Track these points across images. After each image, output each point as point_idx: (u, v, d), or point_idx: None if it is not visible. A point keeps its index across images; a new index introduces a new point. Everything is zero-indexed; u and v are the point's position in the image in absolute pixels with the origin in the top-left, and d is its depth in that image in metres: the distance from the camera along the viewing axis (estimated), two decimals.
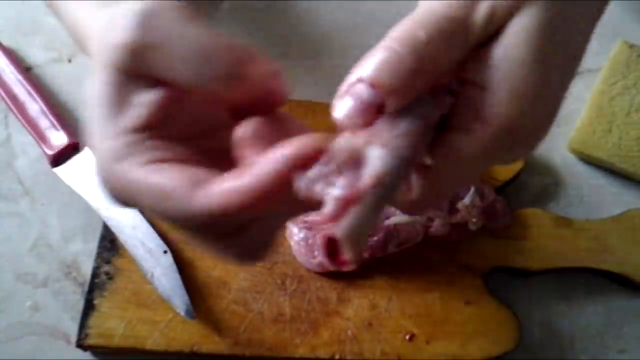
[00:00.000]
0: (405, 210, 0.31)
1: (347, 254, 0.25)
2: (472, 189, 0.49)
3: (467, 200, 0.48)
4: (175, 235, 0.49)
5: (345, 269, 0.48)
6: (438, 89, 0.28)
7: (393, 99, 0.26)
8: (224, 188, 0.27)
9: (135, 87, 0.29)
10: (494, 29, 0.28)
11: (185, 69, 0.27)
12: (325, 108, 0.58)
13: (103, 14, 0.30)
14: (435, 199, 0.30)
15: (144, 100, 0.29)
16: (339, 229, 0.25)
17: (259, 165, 0.26)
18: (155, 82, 0.28)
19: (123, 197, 0.29)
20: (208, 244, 0.30)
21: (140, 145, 0.28)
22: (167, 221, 0.29)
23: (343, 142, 0.26)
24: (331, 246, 0.24)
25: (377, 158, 0.25)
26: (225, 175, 0.27)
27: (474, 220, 0.48)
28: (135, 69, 0.28)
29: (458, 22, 0.28)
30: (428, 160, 0.28)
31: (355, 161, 0.25)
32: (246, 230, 0.28)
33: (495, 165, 0.35)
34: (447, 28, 0.27)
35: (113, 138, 0.28)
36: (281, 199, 0.27)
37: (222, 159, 0.29)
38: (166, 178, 0.28)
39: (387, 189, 0.25)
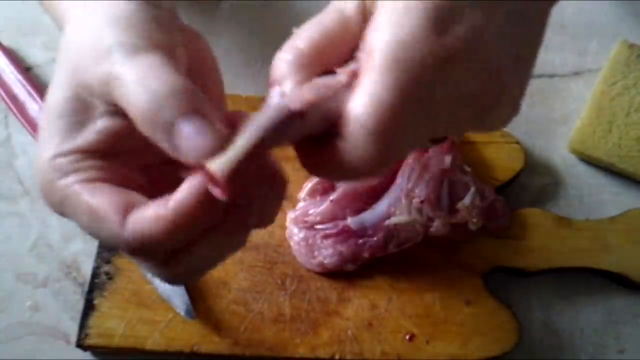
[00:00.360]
0: (338, 175, 0.31)
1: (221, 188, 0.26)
2: (472, 189, 0.49)
3: (467, 200, 0.48)
4: None
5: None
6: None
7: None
8: (148, 215, 0.27)
9: (96, 112, 0.29)
10: (368, 18, 0.29)
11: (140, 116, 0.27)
12: None
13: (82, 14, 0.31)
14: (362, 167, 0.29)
15: (102, 127, 0.29)
16: (212, 164, 0.26)
17: (181, 189, 0.27)
18: (116, 111, 0.29)
19: (60, 210, 0.30)
20: (143, 265, 0.30)
21: (84, 163, 0.29)
22: (100, 242, 0.29)
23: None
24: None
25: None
26: (154, 201, 0.28)
27: (474, 220, 0.48)
28: (101, 96, 0.29)
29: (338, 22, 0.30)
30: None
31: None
32: (180, 255, 0.29)
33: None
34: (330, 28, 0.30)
35: (63, 154, 0.29)
36: (208, 221, 0.27)
37: (172, 174, 0.29)
38: (101, 200, 0.28)
39: (265, 135, 0.26)
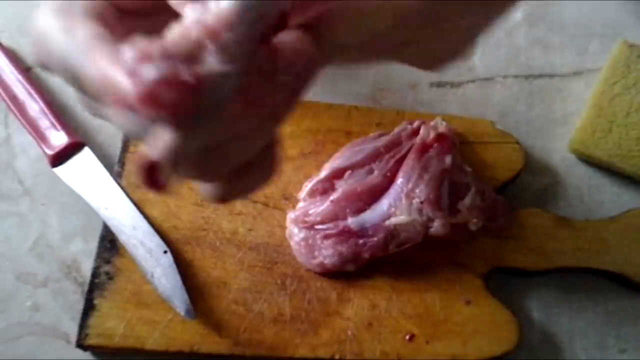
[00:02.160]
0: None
1: (163, 177, 0.24)
2: (473, 189, 0.49)
3: (467, 200, 0.48)
4: (176, 235, 0.49)
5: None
6: None
7: None
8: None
9: None
10: None
11: None
12: (325, 108, 0.58)
13: None
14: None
15: None
16: (156, 151, 0.24)
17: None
18: None
19: (41, 45, 0.27)
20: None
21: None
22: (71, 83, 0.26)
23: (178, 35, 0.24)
24: (150, 169, 0.23)
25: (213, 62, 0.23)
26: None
27: (474, 220, 0.48)
28: None
29: None
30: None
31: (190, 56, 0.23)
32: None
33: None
34: None
35: None
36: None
37: None
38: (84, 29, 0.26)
39: (214, 100, 0.23)
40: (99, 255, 0.48)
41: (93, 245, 0.49)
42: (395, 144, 0.51)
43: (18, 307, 0.48)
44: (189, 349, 0.45)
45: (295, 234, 0.49)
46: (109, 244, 0.48)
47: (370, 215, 0.48)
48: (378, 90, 0.58)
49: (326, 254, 0.48)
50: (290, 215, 0.50)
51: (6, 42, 0.57)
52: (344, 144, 0.52)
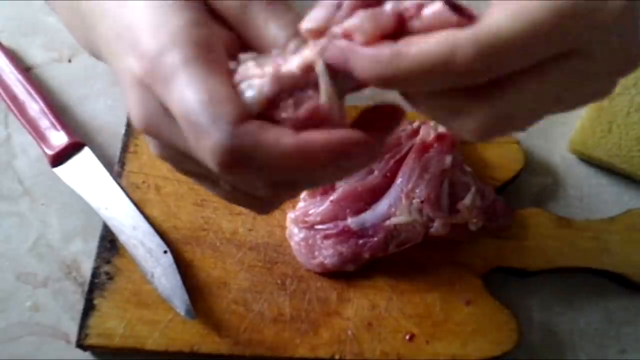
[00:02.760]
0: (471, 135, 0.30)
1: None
2: (473, 189, 0.49)
3: (467, 200, 0.48)
4: (176, 235, 0.49)
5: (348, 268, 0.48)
6: None
7: None
8: (272, 136, 0.26)
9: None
10: None
11: None
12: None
13: None
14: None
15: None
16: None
17: (310, 134, 0.27)
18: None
19: (163, 91, 0.27)
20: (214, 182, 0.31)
21: (199, 30, 0.28)
22: (195, 132, 0.27)
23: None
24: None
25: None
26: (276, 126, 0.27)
27: (474, 220, 0.48)
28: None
29: None
30: None
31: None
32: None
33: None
34: None
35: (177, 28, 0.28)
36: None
37: None
38: (221, 81, 0.27)
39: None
40: (99, 255, 0.48)
41: (93, 245, 0.49)
42: (395, 144, 0.51)
43: (18, 307, 0.48)
44: (189, 349, 0.45)
45: (295, 234, 0.49)
46: (109, 244, 0.48)
47: (370, 215, 0.48)
48: (378, 90, 0.58)
49: (326, 254, 0.48)
50: (290, 215, 0.50)
51: (6, 42, 0.57)
52: None
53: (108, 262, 0.48)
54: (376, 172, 0.50)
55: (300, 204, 0.50)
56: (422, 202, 0.47)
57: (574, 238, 0.51)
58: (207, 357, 0.46)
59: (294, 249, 0.49)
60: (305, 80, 0.27)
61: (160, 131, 0.29)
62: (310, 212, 0.49)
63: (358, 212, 0.49)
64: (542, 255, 0.50)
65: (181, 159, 0.31)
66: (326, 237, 0.48)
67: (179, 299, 0.46)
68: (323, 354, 0.46)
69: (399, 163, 0.50)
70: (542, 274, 0.51)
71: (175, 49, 0.27)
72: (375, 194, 0.49)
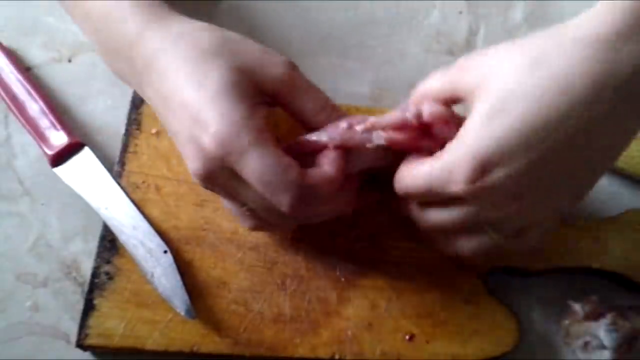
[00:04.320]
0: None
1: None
2: None
3: None
4: (175, 235, 0.49)
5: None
6: None
7: None
8: (319, 174, 0.41)
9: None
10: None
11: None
12: None
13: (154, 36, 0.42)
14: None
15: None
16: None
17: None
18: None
19: (237, 161, 0.38)
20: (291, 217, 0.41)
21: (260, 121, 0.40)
22: (271, 189, 0.39)
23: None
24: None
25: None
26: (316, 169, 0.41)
27: None
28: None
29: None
30: None
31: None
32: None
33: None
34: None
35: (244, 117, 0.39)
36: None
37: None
38: (282, 153, 0.40)
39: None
40: (99, 255, 0.48)
41: (93, 245, 0.49)
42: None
43: (18, 307, 0.48)
44: (189, 349, 0.45)
45: None
46: (109, 244, 0.48)
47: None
48: (378, 90, 0.58)
49: None
50: None
51: (6, 42, 0.57)
52: None
53: (108, 262, 0.48)
54: None
55: None
56: None
57: (574, 238, 0.51)
58: (207, 357, 0.46)
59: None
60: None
61: (219, 184, 0.41)
62: None
63: None
64: (542, 255, 0.50)
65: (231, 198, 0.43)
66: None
67: (178, 299, 0.46)
68: (323, 354, 0.46)
69: None
70: (542, 274, 0.51)
71: (242, 135, 0.38)
72: None
